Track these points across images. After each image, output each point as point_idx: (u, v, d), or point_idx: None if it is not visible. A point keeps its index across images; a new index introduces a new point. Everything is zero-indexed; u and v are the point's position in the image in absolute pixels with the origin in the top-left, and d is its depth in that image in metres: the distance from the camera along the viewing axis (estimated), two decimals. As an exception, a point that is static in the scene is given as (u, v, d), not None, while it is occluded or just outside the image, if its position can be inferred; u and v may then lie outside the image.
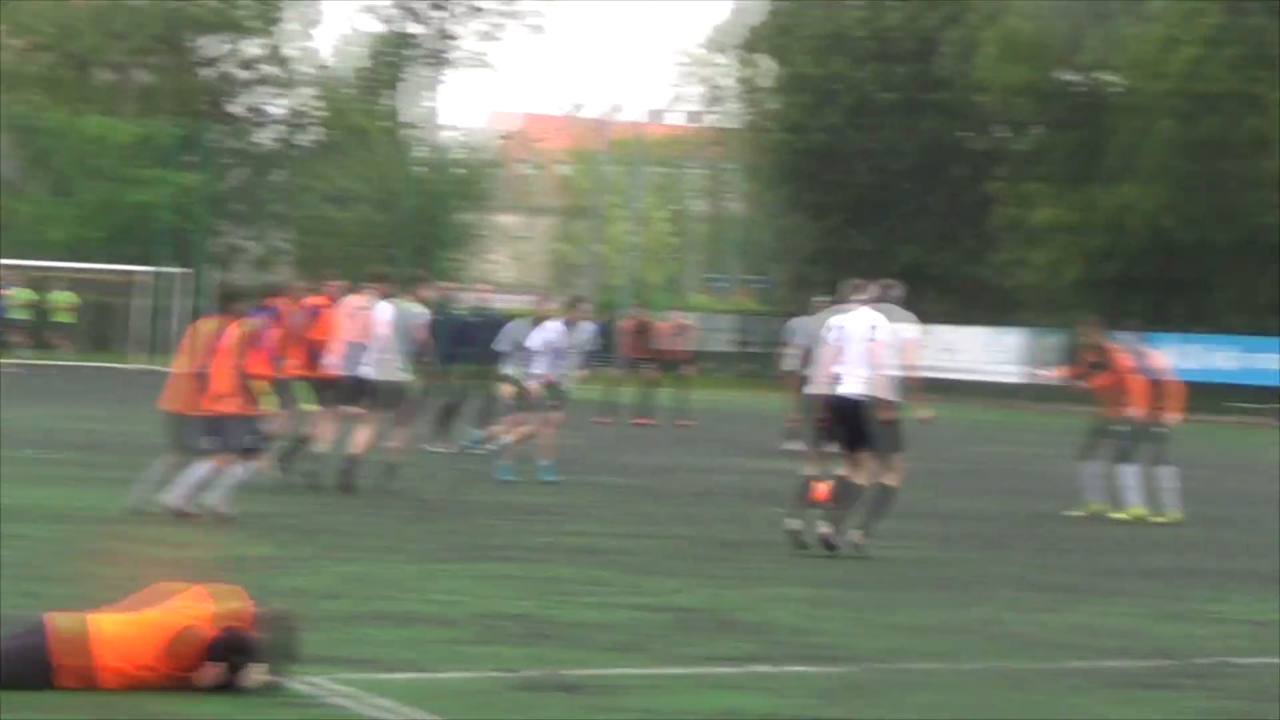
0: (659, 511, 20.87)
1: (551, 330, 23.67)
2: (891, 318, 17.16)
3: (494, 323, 27.92)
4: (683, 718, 9.83)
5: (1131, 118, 60.73)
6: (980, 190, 69.15)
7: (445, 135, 77.48)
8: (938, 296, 66.14)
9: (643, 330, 39.79)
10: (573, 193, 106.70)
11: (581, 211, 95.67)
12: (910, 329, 17.24)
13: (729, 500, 22.69)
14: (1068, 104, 65.83)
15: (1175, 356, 57.59)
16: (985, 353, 61.80)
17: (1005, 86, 64.61)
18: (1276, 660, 12.65)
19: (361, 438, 21.06)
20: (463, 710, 9.69)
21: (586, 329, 24.41)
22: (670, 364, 39.31)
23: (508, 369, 24.03)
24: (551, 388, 23.65)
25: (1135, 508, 21.92)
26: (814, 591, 14.85)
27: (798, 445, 30.17)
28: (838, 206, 72.17)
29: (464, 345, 26.95)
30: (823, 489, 17.28)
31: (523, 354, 23.77)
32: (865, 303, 17.27)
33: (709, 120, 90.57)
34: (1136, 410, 22.10)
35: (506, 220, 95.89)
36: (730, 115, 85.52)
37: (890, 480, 17.06)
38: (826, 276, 75.46)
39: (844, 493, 16.97)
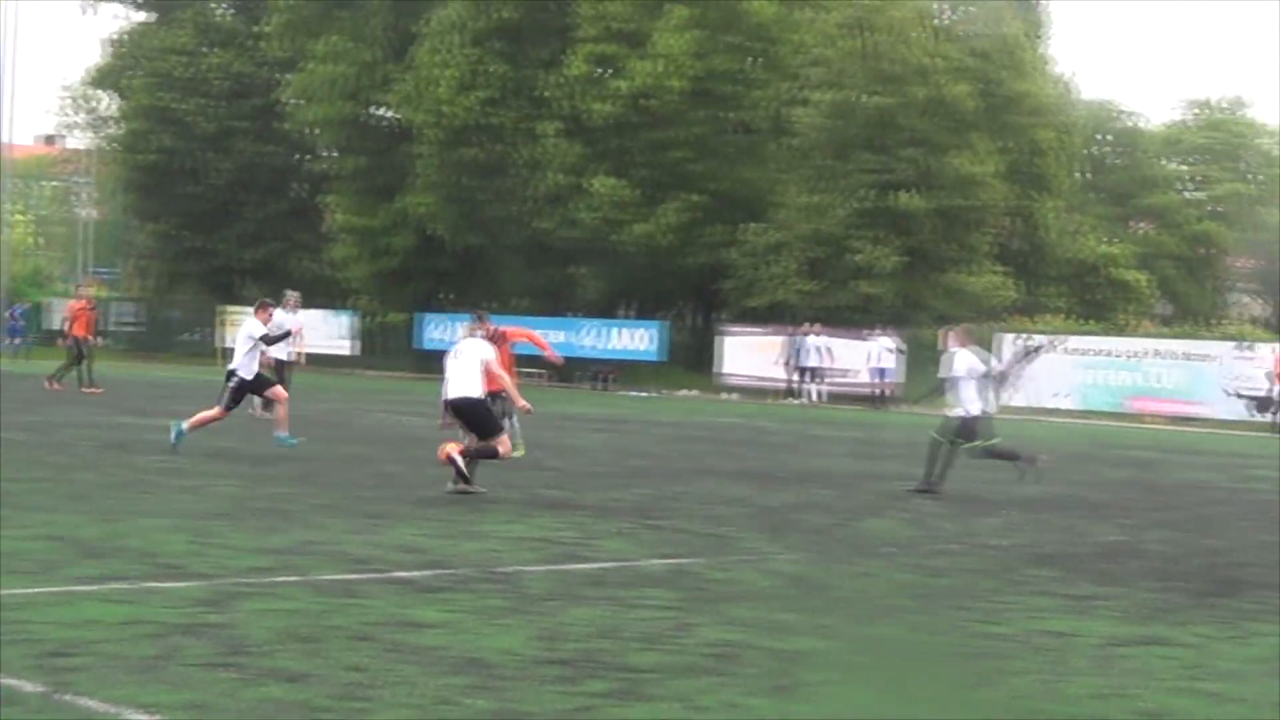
0: (62, 460, 20.37)
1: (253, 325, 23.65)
2: (476, 346, 18.86)
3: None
4: (74, 629, 9.65)
5: (426, 146, 61.52)
6: (315, 202, 70.32)
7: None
8: (281, 286, 66.43)
9: (81, 311, 38.89)
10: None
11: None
12: (489, 350, 18.88)
13: (117, 451, 22.38)
14: (374, 134, 66.55)
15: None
16: (325, 330, 62.24)
17: (318, 120, 65.13)
18: (527, 568, 13.19)
19: None
20: None
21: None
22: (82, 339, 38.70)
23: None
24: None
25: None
26: (184, 522, 14.65)
27: (266, 413, 30.24)
28: (172, 213, 71.84)
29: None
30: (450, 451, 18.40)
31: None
32: (469, 336, 19.28)
33: (77, 142, 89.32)
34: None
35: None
36: (87, 138, 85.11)
37: (496, 445, 18.30)
38: (164, 269, 75.49)
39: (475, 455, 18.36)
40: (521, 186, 60.47)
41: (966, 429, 21.27)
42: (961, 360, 21.35)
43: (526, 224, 60.92)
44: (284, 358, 30.49)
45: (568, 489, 19.33)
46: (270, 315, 24.23)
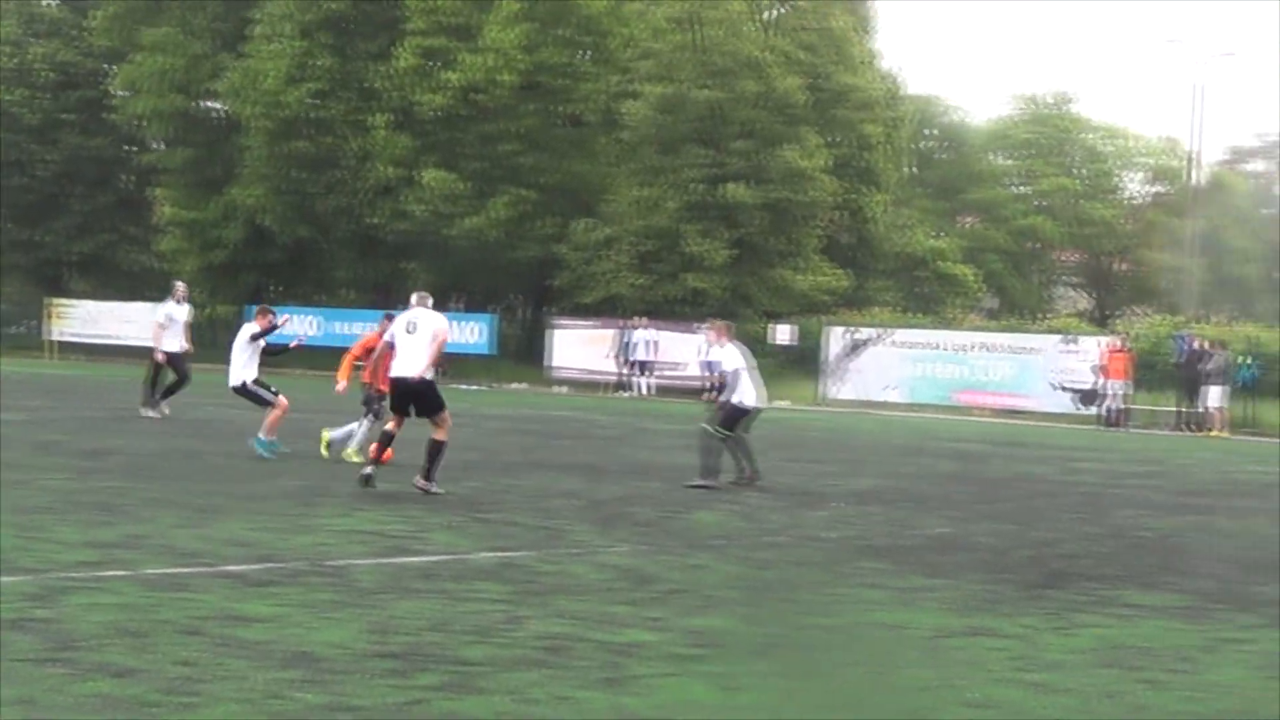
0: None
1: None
2: (431, 317, 19.07)
3: None
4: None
5: (256, 138, 60.91)
6: (143, 195, 69.46)
7: None
8: (110, 279, 65.85)
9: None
10: None
11: None
12: (441, 322, 19.08)
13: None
14: (204, 126, 65.77)
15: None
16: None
17: (147, 112, 64.12)
18: (356, 561, 13.13)
19: None
20: None
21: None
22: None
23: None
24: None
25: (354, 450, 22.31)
26: (10, 516, 14.34)
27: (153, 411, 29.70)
28: None
29: None
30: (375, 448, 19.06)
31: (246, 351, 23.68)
32: (420, 305, 19.45)
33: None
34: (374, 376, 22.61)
35: None
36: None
37: (440, 435, 18.40)
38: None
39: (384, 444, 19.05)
40: (351, 179, 60.14)
41: (732, 416, 21.55)
42: (730, 353, 21.82)
43: (356, 216, 60.60)
44: (177, 349, 30.36)
45: (398, 482, 19.24)
46: (270, 320, 24.12)
